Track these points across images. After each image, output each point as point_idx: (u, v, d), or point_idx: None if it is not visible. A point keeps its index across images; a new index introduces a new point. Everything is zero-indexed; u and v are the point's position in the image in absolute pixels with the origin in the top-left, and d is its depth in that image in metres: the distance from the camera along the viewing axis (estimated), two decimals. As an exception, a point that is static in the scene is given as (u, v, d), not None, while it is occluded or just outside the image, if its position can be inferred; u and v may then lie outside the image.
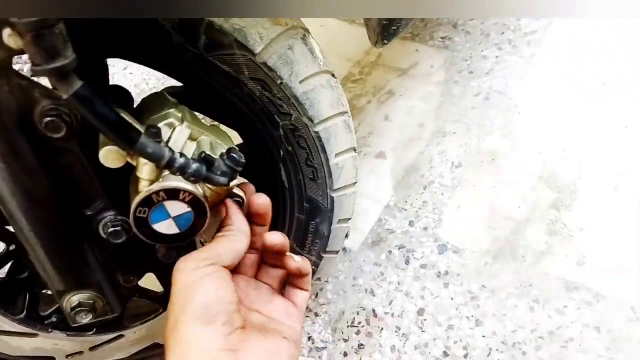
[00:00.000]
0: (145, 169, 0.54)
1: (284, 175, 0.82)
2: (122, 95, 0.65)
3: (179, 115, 0.60)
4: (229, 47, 0.63)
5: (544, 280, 1.05)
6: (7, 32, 0.42)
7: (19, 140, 0.51)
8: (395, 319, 1.08)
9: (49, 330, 0.77)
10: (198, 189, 0.58)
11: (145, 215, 0.57)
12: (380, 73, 1.47)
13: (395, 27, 0.84)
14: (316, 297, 1.15)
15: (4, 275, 0.76)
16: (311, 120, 0.73)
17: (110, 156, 0.51)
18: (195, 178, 0.53)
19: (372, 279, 1.14)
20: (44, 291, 0.77)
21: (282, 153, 0.77)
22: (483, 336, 1.02)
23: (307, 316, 1.13)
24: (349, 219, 0.92)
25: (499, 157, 1.23)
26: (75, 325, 0.68)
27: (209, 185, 0.59)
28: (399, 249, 1.17)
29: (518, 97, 1.32)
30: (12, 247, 0.69)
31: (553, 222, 1.11)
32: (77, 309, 0.64)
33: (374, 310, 1.10)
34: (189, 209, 0.58)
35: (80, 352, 0.83)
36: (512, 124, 1.27)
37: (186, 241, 0.61)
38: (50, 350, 0.80)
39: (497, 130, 1.27)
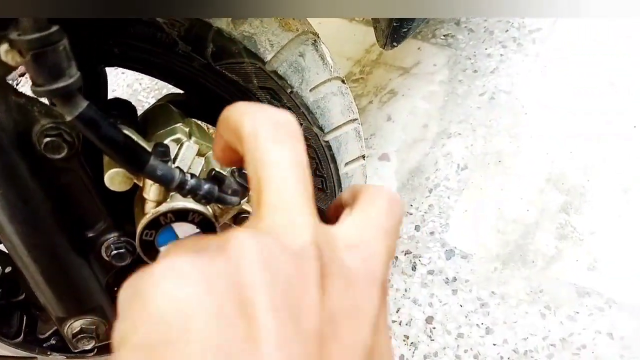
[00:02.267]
0: (152, 190, 0.50)
1: (292, 185, 0.78)
2: (124, 108, 0.61)
3: (186, 130, 0.56)
4: (237, 55, 0.59)
5: (555, 285, 1.03)
6: (4, 47, 0.38)
7: (16, 162, 0.47)
8: (404, 328, 1.05)
9: (48, 353, 0.73)
10: (208, 210, 0.54)
11: (152, 238, 0.53)
12: (382, 72, 1.44)
13: (406, 30, 0.80)
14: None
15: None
16: (321, 129, 0.70)
17: (116, 179, 0.47)
18: (207, 200, 0.49)
19: (378, 285, 1.11)
20: (41, 312, 0.73)
21: (290, 163, 0.74)
22: (494, 344, 1.00)
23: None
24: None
25: (505, 158, 1.20)
26: (77, 351, 0.64)
27: (218, 205, 0.55)
28: (405, 254, 1.14)
29: (524, 96, 1.29)
30: (7, 270, 0.64)
31: (563, 226, 1.08)
32: (79, 336, 0.61)
33: (381, 318, 1.07)
34: (197, 230, 0.55)
35: (81, 374, 0.79)
36: (518, 124, 1.25)
37: (195, 263, 0.58)
38: (49, 373, 0.77)
39: (503, 130, 1.25)
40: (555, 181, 1.14)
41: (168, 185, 0.46)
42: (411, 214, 1.18)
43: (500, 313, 1.02)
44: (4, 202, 0.47)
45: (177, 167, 0.47)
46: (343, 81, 0.73)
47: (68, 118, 0.40)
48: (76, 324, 0.60)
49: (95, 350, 0.76)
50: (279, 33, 0.61)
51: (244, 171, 0.54)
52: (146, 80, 1.68)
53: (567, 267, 1.04)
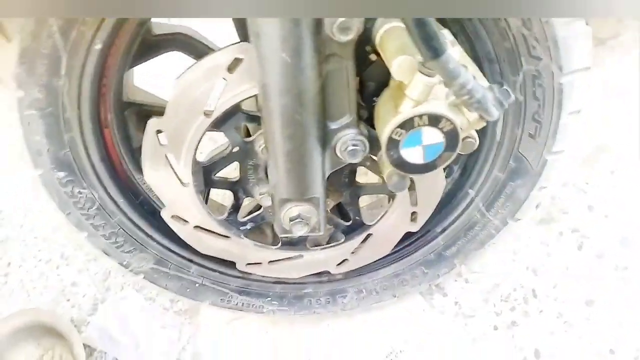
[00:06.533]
0: (418, 88, 0.51)
1: (500, 126, 0.76)
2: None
3: (451, 38, 0.56)
4: (509, -29, 0.57)
5: None
6: None
7: (306, 36, 0.49)
8: (559, 304, 1.00)
9: (241, 236, 0.80)
10: (458, 120, 0.54)
11: (399, 138, 0.54)
12: (574, 40, 1.33)
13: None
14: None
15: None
16: (560, 69, 0.66)
17: (404, 66, 0.48)
18: (478, 105, 0.49)
19: (536, 257, 1.07)
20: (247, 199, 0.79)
21: (508, 102, 0.71)
22: (662, 344, 0.92)
23: (455, 280, 1.09)
24: (546, 187, 0.85)
25: None
26: (285, 235, 0.69)
27: (468, 118, 0.55)
28: (572, 232, 1.07)
29: None
30: (235, 149, 0.70)
31: None
32: (295, 220, 0.65)
33: (534, 291, 1.03)
34: (442, 140, 0.55)
35: (259, 264, 0.85)
36: None
37: (424, 173, 0.59)
38: (235, 255, 0.84)
39: None
40: None
41: (453, 79, 0.46)
42: (585, 193, 1.10)
43: (677, 314, 0.93)
44: (290, 72, 0.51)
45: (464, 65, 0.46)
46: (587, 23, 0.68)
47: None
48: (295, 209, 0.65)
49: (280, 242, 0.82)
50: (555, -46, 0.57)
51: (504, 87, 0.52)
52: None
53: None
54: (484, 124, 0.55)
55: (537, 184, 0.80)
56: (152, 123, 0.64)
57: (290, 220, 0.64)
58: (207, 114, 0.63)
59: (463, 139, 0.60)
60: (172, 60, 0.83)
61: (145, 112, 0.81)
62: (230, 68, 0.59)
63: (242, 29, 0.73)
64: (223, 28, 0.84)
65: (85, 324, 1.10)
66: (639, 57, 1.26)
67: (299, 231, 0.65)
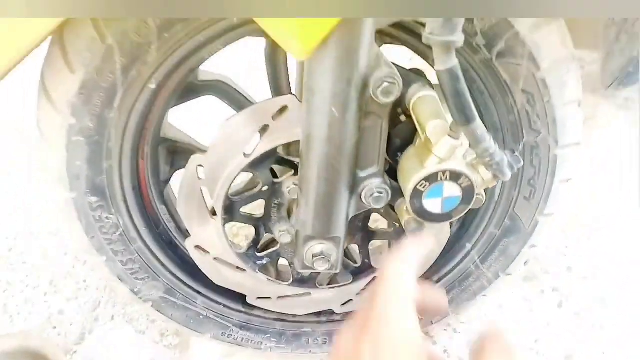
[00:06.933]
0: (445, 148, 0.59)
1: (499, 187, 0.84)
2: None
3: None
4: (520, 57, 0.67)
5: None
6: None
7: (353, 97, 0.57)
8: (540, 358, 1.06)
9: (257, 270, 0.84)
10: (474, 178, 0.62)
11: (423, 189, 0.62)
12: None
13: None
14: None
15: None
16: (556, 142, 0.76)
17: (438, 128, 0.56)
18: (496, 167, 0.57)
19: (518, 312, 1.14)
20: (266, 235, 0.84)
21: (508, 166, 0.80)
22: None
23: (444, 329, 1.15)
24: (536, 246, 0.93)
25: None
26: (303, 271, 0.74)
27: (483, 177, 0.63)
28: (552, 290, 1.15)
29: None
30: (264, 188, 0.76)
31: None
32: (318, 257, 0.70)
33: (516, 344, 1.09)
34: (459, 194, 0.63)
35: (269, 298, 0.89)
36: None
37: (439, 222, 0.66)
38: (247, 288, 0.88)
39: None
40: None
41: (479, 143, 0.54)
42: (565, 256, 1.19)
43: (648, 374, 1.01)
44: (335, 124, 0.58)
45: (488, 132, 0.55)
46: (579, 104, 0.79)
47: (440, 67, 0.49)
48: (318, 247, 0.70)
49: (292, 281, 0.86)
50: (557, 46, 0.68)
51: (515, 154, 0.61)
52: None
53: None
54: (496, 183, 0.63)
55: (528, 243, 0.89)
56: (195, 158, 0.70)
57: (313, 257, 0.70)
58: (246, 155, 0.69)
59: (475, 196, 0.69)
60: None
61: (174, 148, 0.87)
62: (274, 116, 0.67)
63: (276, 85, 0.82)
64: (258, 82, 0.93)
65: (72, 353, 1.10)
66: (610, 138, 1.40)
67: (320, 267, 0.71)
